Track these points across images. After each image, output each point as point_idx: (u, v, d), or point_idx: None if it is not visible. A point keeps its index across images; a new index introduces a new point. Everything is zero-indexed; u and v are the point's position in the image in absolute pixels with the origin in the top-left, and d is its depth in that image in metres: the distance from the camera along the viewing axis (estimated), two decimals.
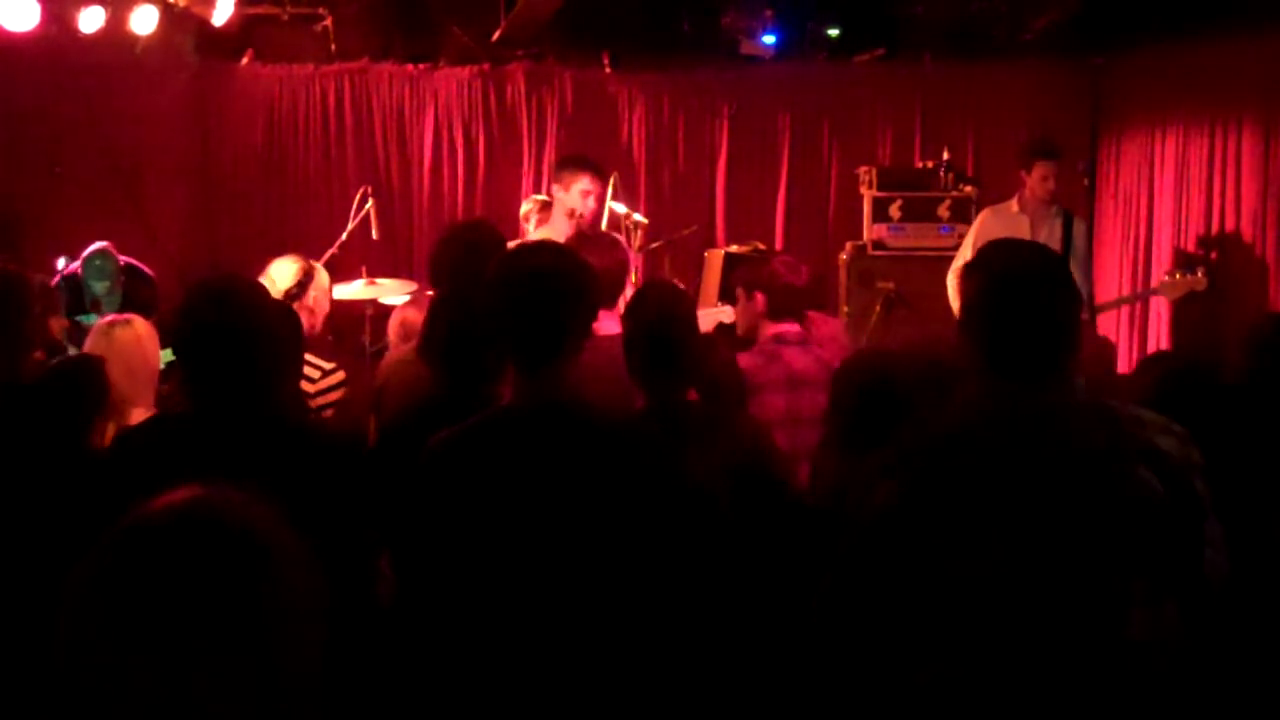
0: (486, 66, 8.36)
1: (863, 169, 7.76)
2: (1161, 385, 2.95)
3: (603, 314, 3.42)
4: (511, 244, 3.48)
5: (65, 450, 3.00)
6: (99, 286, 5.61)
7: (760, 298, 4.15)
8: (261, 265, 4.51)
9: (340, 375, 4.24)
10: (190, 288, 2.72)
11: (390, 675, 2.52)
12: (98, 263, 5.69)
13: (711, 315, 5.67)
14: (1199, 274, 6.23)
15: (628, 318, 3.26)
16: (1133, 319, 7.52)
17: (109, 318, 4.15)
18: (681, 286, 4.28)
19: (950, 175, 7.60)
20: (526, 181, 8.24)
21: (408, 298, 5.94)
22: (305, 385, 4.01)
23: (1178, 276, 6.35)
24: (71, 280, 5.77)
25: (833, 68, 8.41)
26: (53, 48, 6.90)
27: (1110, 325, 7.49)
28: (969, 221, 7.07)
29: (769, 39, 7.93)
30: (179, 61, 7.71)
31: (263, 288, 2.87)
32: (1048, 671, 2.20)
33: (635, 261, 6.42)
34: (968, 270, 2.42)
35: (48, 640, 1.25)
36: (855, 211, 7.82)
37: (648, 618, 2.49)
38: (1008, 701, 2.21)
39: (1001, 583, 2.21)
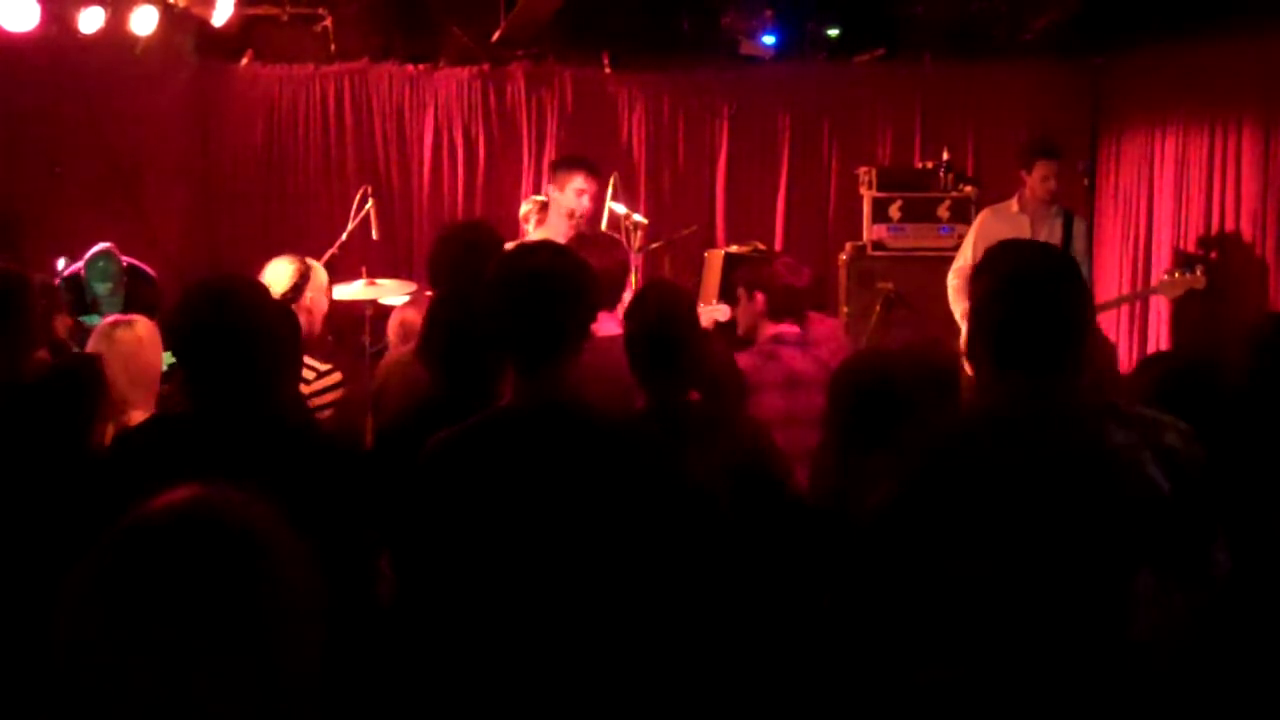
0: (486, 66, 8.36)
1: (863, 169, 7.76)
2: (1161, 385, 2.95)
3: (603, 315, 3.42)
4: (510, 244, 3.48)
5: (66, 450, 3.00)
6: (101, 287, 5.61)
7: (760, 297, 4.15)
8: (261, 265, 4.50)
9: (336, 377, 4.23)
10: (189, 288, 2.71)
11: (390, 675, 2.52)
12: (100, 264, 5.69)
13: (707, 314, 5.67)
14: (1198, 273, 6.23)
15: (629, 318, 3.26)
16: (1132, 318, 7.52)
17: (111, 318, 4.15)
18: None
19: (950, 175, 7.60)
20: (526, 181, 8.24)
21: (407, 298, 5.94)
22: (301, 387, 4.00)
23: (1177, 275, 6.35)
24: (74, 280, 5.77)
25: (833, 68, 8.41)
26: (53, 48, 6.90)
27: (1110, 325, 7.49)
28: (969, 222, 7.07)
29: (769, 39, 7.93)
30: (179, 61, 7.71)
31: (262, 287, 2.87)
32: (1051, 671, 2.20)
33: (635, 262, 6.42)
34: (977, 271, 2.42)
35: (48, 641, 1.25)
36: (855, 211, 7.82)
37: (647, 617, 2.49)
38: (1011, 701, 2.21)
39: (1004, 581, 2.21)
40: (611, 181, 6.59)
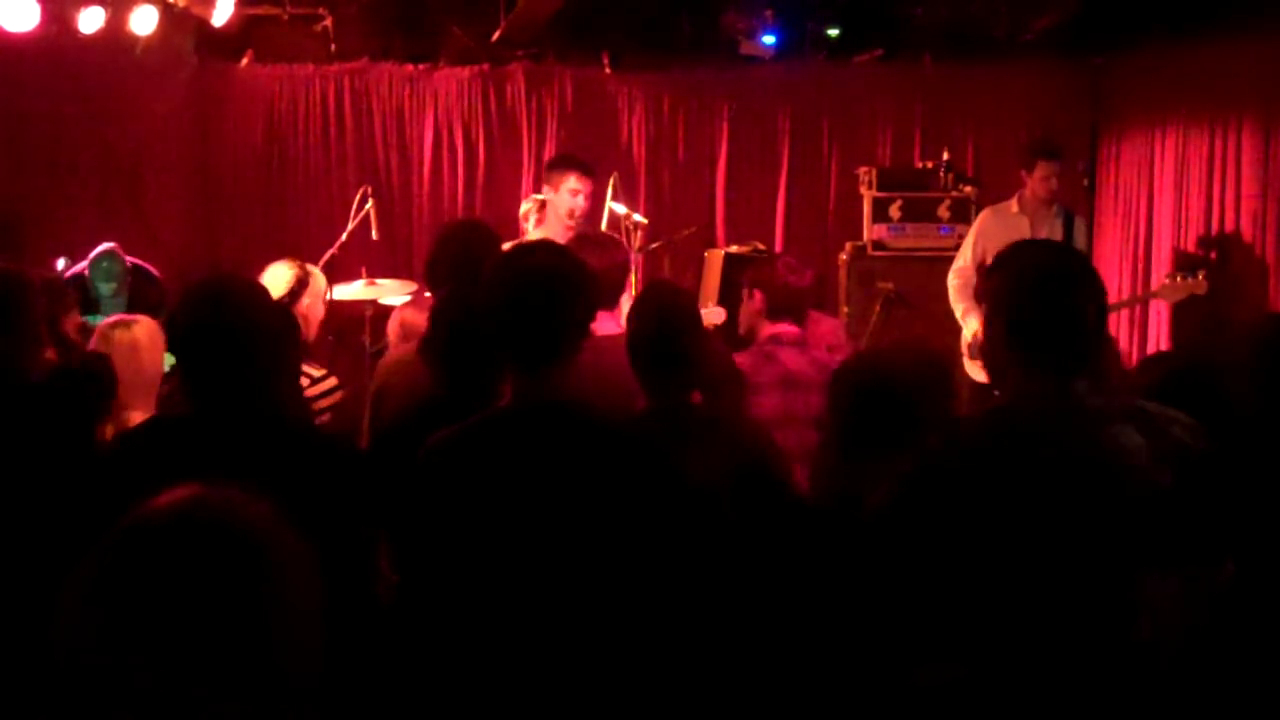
0: (486, 66, 8.36)
1: (863, 169, 7.76)
2: (1162, 386, 2.95)
3: (602, 315, 3.42)
4: (508, 244, 3.48)
5: (70, 450, 2.99)
6: (105, 288, 5.61)
7: (759, 297, 4.15)
8: (262, 265, 4.50)
9: (333, 382, 4.23)
10: (187, 288, 2.71)
11: (390, 675, 2.52)
12: (105, 264, 5.69)
13: (703, 317, 5.67)
14: (1199, 277, 6.20)
15: (632, 319, 3.26)
16: (1132, 319, 7.52)
17: (111, 319, 4.15)
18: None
19: (950, 175, 7.60)
20: (526, 181, 8.23)
21: (408, 298, 5.94)
22: None
23: (1178, 279, 6.33)
24: (77, 280, 5.77)
25: (833, 68, 8.41)
26: (53, 48, 6.90)
27: (1110, 325, 7.48)
28: (969, 222, 7.07)
29: (769, 39, 7.92)
30: (179, 61, 7.71)
31: (260, 286, 2.87)
32: (1054, 671, 2.20)
33: (635, 261, 6.42)
34: (992, 270, 2.42)
35: (48, 641, 1.25)
36: (855, 211, 7.82)
37: (646, 617, 2.49)
38: (1013, 702, 2.21)
39: (1007, 579, 2.21)
40: (611, 181, 6.59)
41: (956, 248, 6.90)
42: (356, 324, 6.58)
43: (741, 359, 3.97)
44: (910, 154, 8.33)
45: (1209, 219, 6.93)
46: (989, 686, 2.21)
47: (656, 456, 2.62)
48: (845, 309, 7.34)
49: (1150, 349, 7.20)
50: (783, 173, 8.52)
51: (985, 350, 2.46)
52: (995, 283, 2.39)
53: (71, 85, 7.37)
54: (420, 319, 3.93)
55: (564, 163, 5.60)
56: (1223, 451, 2.31)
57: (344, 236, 6.54)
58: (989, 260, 6.83)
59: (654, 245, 6.98)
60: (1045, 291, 2.31)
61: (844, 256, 7.60)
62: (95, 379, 3.22)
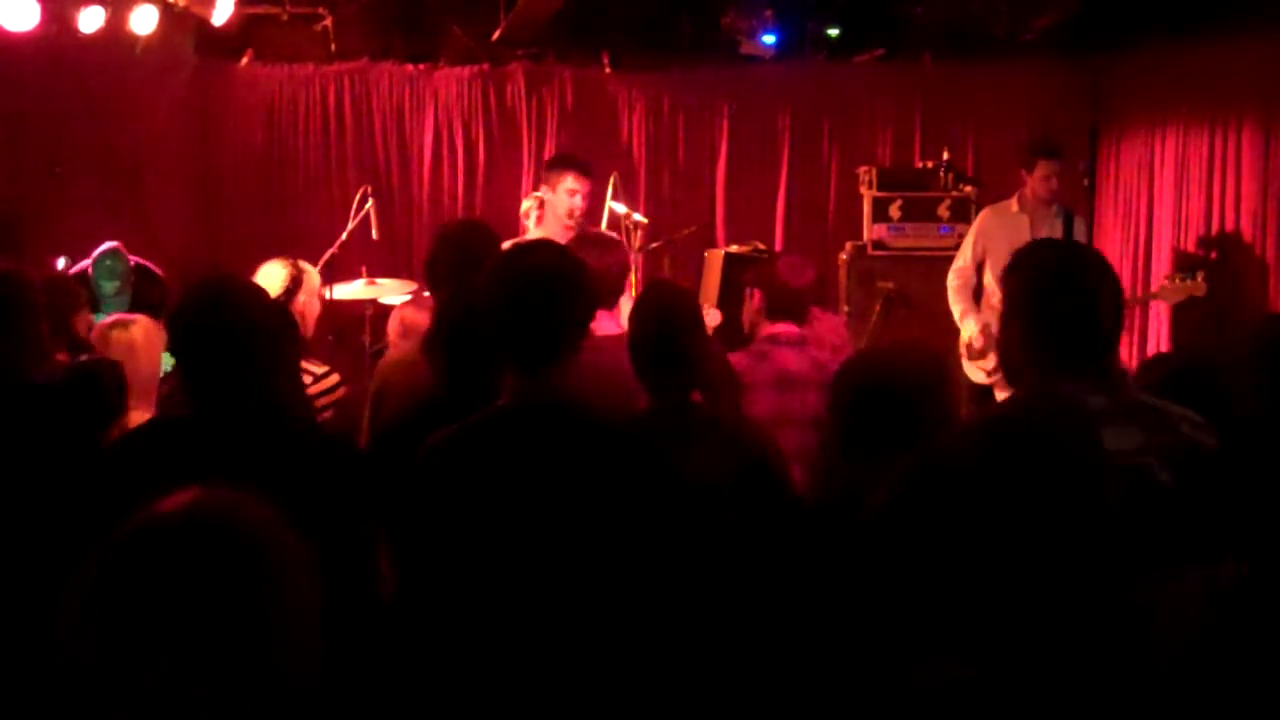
0: (486, 66, 8.36)
1: (863, 169, 7.76)
2: (1163, 387, 2.95)
3: (601, 315, 3.42)
4: (508, 243, 3.48)
5: (78, 453, 2.99)
6: (108, 286, 5.61)
7: (758, 296, 4.15)
8: (260, 265, 4.50)
9: (335, 379, 4.23)
10: (186, 288, 2.71)
11: (390, 674, 2.52)
12: (108, 262, 5.69)
13: None
14: (1199, 278, 6.18)
15: (633, 318, 3.26)
16: (1132, 321, 7.52)
17: (109, 319, 4.15)
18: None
19: (950, 175, 7.59)
20: (526, 181, 8.23)
21: (408, 298, 5.94)
22: None
23: (1177, 281, 6.30)
24: (81, 279, 5.77)
25: (833, 68, 8.41)
26: (53, 48, 6.90)
27: None
28: (969, 221, 7.06)
29: (769, 39, 7.93)
30: (179, 61, 7.71)
31: (258, 286, 2.87)
32: (1055, 671, 2.20)
33: (635, 261, 6.42)
34: (1011, 269, 2.42)
35: (50, 642, 1.25)
36: (855, 211, 7.82)
37: (645, 616, 2.49)
38: (1014, 702, 2.21)
39: (1006, 579, 2.22)
40: (611, 181, 6.59)
41: (956, 247, 6.90)
42: (356, 324, 6.58)
43: (737, 359, 3.97)
44: (910, 154, 8.33)
45: (1209, 219, 6.93)
46: (989, 686, 2.21)
47: (655, 456, 2.62)
48: (845, 309, 7.33)
49: (1150, 350, 7.20)
50: (783, 173, 8.52)
51: (1001, 349, 2.47)
52: (1014, 283, 2.39)
53: (71, 85, 7.36)
54: (420, 318, 3.93)
55: (561, 162, 5.60)
56: (1227, 450, 2.31)
57: (344, 236, 6.54)
58: (988, 260, 6.87)
59: (654, 245, 6.98)
60: (1063, 293, 2.32)
61: (844, 256, 7.59)
62: (106, 383, 3.22)
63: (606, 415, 2.67)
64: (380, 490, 2.71)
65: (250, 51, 8.22)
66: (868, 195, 7.58)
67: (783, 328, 4.08)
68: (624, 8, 8.05)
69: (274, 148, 8.35)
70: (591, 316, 2.69)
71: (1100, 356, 2.30)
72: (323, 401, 4.12)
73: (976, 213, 7.02)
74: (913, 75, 8.36)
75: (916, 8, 7.82)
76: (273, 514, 1.33)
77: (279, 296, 4.31)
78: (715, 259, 7.39)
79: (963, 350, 6.52)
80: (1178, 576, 2.22)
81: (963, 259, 6.69)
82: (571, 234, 4.90)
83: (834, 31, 8.27)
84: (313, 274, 4.62)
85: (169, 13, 6.88)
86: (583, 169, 5.44)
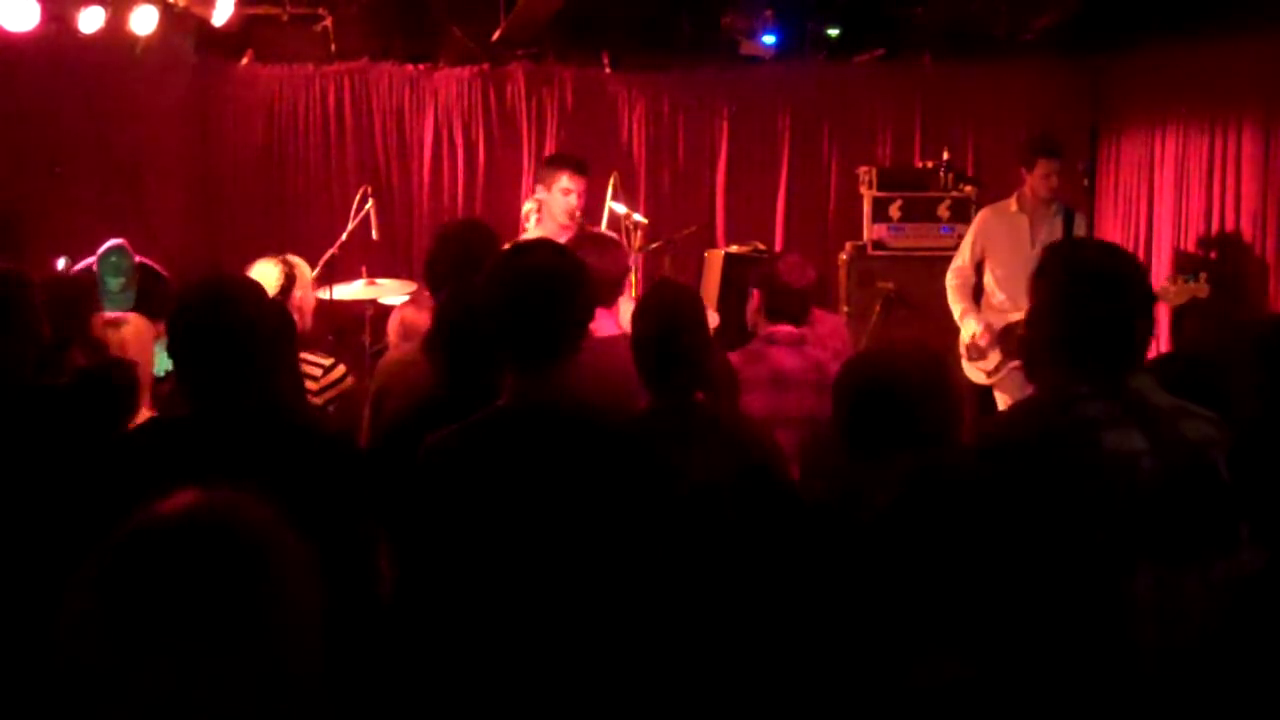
0: (486, 66, 8.36)
1: (863, 169, 7.76)
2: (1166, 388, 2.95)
3: (601, 315, 3.42)
4: (507, 243, 3.48)
5: (88, 454, 2.98)
6: (114, 282, 5.60)
7: (757, 296, 4.15)
8: (251, 266, 4.49)
9: (341, 369, 4.25)
10: (184, 289, 2.71)
11: (390, 674, 2.52)
12: (114, 258, 5.69)
13: None
14: (1201, 279, 6.17)
15: (638, 318, 3.26)
16: None
17: (101, 319, 4.14)
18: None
19: (950, 175, 7.59)
20: (526, 181, 8.23)
21: (407, 298, 5.94)
22: (309, 384, 4.01)
23: (1180, 283, 6.28)
24: (86, 275, 5.76)
25: (833, 68, 8.41)
26: (53, 48, 6.90)
27: None
28: (969, 221, 7.06)
29: (769, 39, 7.92)
30: (179, 61, 7.71)
31: (256, 286, 2.87)
32: (1055, 672, 2.20)
33: (635, 261, 6.42)
34: (1043, 270, 2.43)
35: (51, 643, 1.25)
36: (855, 211, 7.82)
37: (644, 615, 2.49)
38: (1014, 701, 2.21)
39: (1006, 580, 2.22)
40: (611, 181, 6.59)
41: (956, 247, 6.90)
42: (356, 324, 6.58)
43: (732, 358, 3.97)
44: (910, 154, 8.33)
45: (1209, 219, 6.93)
46: (989, 686, 2.21)
47: (653, 456, 2.62)
48: (845, 309, 7.33)
49: (1150, 352, 7.17)
50: (783, 173, 8.52)
51: (1025, 348, 2.48)
52: (1047, 283, 2.40)
53: (71, 85, 7.36)
54: (420, 319, 3.94)
55: (556, 162, 5.61)
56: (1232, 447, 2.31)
57: (344, 236, 6.54)
58: (988, 259, 6.86)
59: (654, 245, 6.98)
60: (1096, 298, 2.32)
61: (844, 256, 7.59)
62: (117, 383, 3.22)
63: (605, 415, 2.67)
64: (380, 490, 2.71)
65: (250, 51, 8.22)
66: (868, 195, 7.58)
67: (781, 328, 4.08)
68: (624, 8, 8.05)
69: (274, 148, 8.35)
70: (591, 316, 2.69)
71: (1123, 361, 2.30)
72: (330, 394, 4.13)
73: (976, 213, 7.02)
74: (913, 75, 8.36)
75: (916, 8, 7.82)
76: (273, 514, 1.34)
77: (275, 295, 4.31)
78: (715, 259, 7.39)
79: (962, 351, 6.52)
80: (1188, 572, 2.22)
81: (961, 259, 6.69)
82: (570, 234, 4.91)
83: (834, 31, 8.27)
84: (304, 267, 4.62)
85: (169, 13, 6.88)
86: (577, 167, 5.44)
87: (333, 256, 6.30)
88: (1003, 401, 6.40)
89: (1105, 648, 2.20)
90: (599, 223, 6.41)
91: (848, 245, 7.64)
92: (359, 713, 2.35)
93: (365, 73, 8.35)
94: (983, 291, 6.64)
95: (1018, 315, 6.31)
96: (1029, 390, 6.18)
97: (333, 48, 8.24)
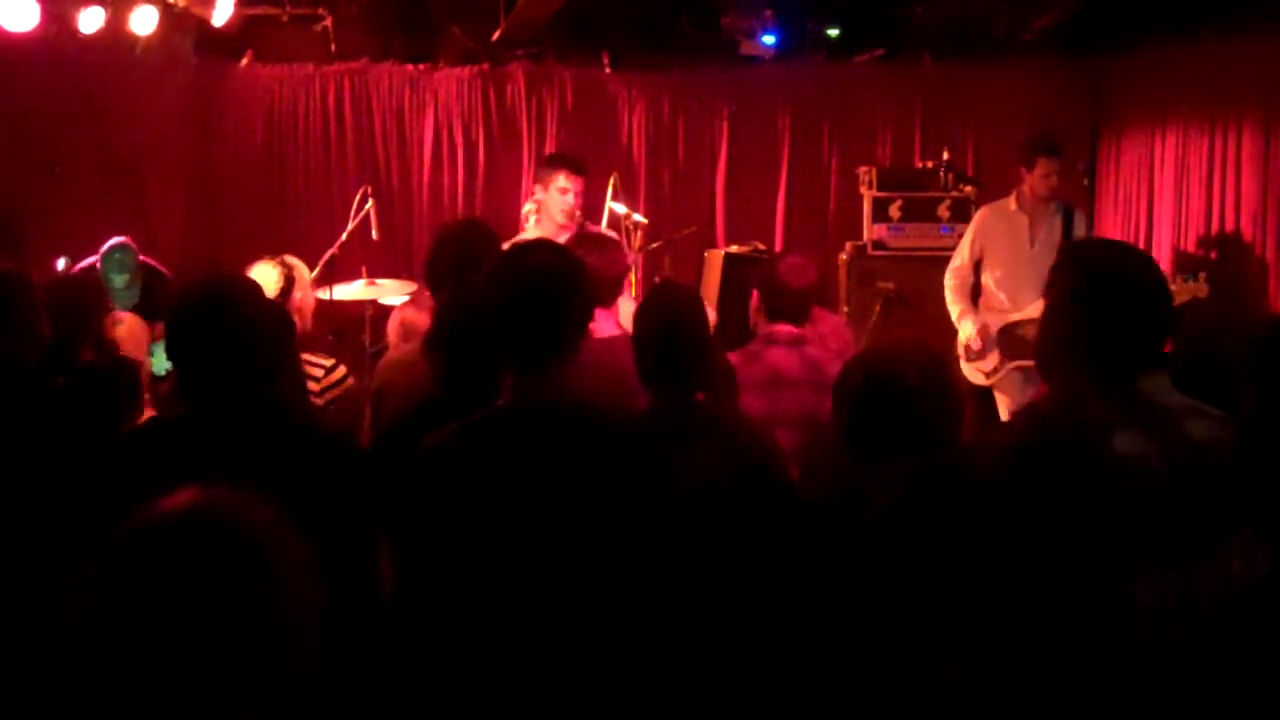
0: (486, 66, 8.36)
1: (863, 169, 7.76)
2: None
3: (600, 315, 3.42)
4: (507, 243, 3.49)
5: (88, 453, 2.99)
6: (118, 279, 5.61)
7: (757, 296, 4.15)
8: (250, 268, 4.49)
9: (342, 370, 4.25)
10: (183, 289, 2.71)
11: (390, 674, 2.52)
12: (118, 255, 5.70)
13: None
14: (1201, 279, 6.16)
15: (640, 318, 3.26)
16: None
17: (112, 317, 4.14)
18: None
19: (950, 175, 7.59)
20: (526, 181, 8.23)
21: (407, 298, 5.94)
22: (310, 385, 4.01)
23: (1180, 283, 6.27)
24: (93, 274, 5.77)
25: (833, 68, 8.41)
26: (53, 48, 6.90)
27: None
28: (969, 221, 7.06)
29: (769, 39, 7.92)
30: (179, 61, 7.71)
31: (255, 286, 2.87)
32: (1055, 672, 2.20)
33: (635, 261, 6.42)
34: (1056, 270, 2.43)
35: (51, 643, 1.25)
36: (855, 211, 7.82)
37: (643, 615, 2.49)
38: (1014, 701, 2.21)
39: (1006, 581, 2.22)
40: (611, 181, 6.59)
41: (956, 248, 6.89)
42: (356, 324, 6.58)
43: (731, 358, 3.97)
44: (910, 154, 8.33)
45: (1209, 219, 6.93)
46: (989, 686, 2.22)
47: (653, 456, 2.62)
48: (845, 309, 7.34)
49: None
50: (783, 173, 8.52)
51: (1040, 347, 2.48)
52: (1065, 285, 2.40)
53: (71, 85, 7.37)
54: (420, 319, 3.94)
55: (553, 162, 5.61)
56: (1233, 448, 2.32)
57: (344, 236, 6.54)
58: (986, 259, 6.84)
59: (654, 245, 6.98)
60: (1104, 296, 2.32)
61: (844, 256, 7.59)
62: (118, 382, 3.22)
63: (605, 415, 2.67)
64: (380, 490, 2.71)
65: (250, 52, 8.22)
66: (868, 195, 7.58)
67: (780, 328, 4.08)
68: (624, 8, 8.05)
69: (274, 148, 8.35)
70: (590, 316, 2.69)
71: (1135, 361, 2.30)
72: (331, 395, 4.13)
73: (976, 212, 7.02)
74: (913, 75, 8.36)
75: (916, 8, 7.82)
76: (273, 514, 1.33)
77: (275, 297, 4.31)
78: (715, 259, 7.39)
79: (960, 351, 6.51)
80: (1192, 572, 2.22)
81: (960, 258, 6.67)
82: (569, 234, 4.91)
83: (834, 31, 8.27)
84: (302, 269, 4.62)
85: (169, 13, 6.88)
86: (574, 167, 5.44)
87: (333, 256, 6.31)
88: (1002, 402, 6.40)
89: (1107, 648, 2.20)
90: (599, 223, 6.41)
91: (848, 245, 7.64)
92: (359, 713, 2.35)
93: (365, 73, 8.35)
94: (981, 291, 6.64)
95: (1017, 315, 6.31)
96: (1028, 390, 6.22)
97: (333, 48, 8.24)
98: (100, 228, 6.15)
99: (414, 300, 5.17)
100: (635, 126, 8.48)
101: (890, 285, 6.86)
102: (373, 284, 6.30)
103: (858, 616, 2.38)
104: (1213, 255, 6.84)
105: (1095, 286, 2.37)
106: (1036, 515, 2.22)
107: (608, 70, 8.43)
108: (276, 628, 1.27)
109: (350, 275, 6.33)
